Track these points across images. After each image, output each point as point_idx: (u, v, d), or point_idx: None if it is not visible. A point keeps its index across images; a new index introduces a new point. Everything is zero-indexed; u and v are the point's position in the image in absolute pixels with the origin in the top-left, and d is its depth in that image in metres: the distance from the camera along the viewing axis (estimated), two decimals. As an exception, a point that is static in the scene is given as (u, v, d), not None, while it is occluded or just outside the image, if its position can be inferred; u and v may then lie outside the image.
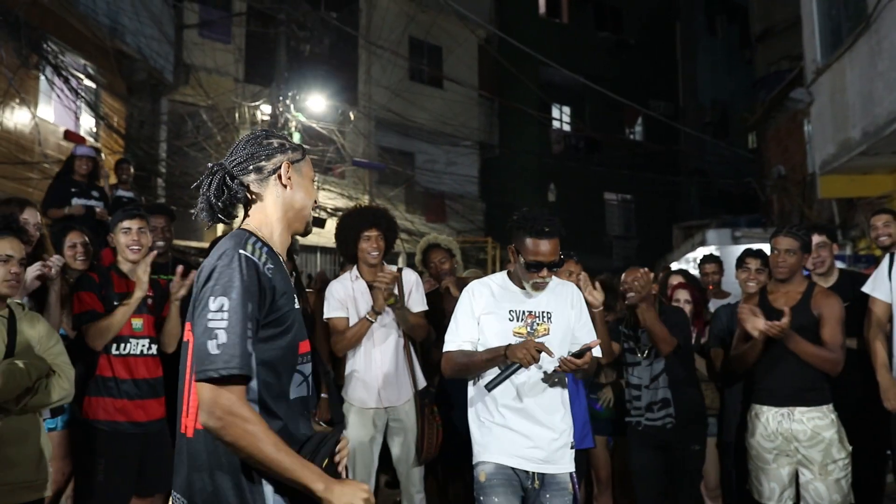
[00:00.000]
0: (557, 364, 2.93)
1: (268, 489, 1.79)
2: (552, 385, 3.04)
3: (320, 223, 13.77)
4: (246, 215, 1.99)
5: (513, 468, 2.99)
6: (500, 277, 3.17)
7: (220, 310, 1.71)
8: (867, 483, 4.03)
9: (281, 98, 12.87)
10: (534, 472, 2.99)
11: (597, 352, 3.04)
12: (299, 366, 1.92)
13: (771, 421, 3.68)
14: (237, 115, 14.79)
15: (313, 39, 14.24)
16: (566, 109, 22.66)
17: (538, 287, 3.01)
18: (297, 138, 13.11)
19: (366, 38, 17.31)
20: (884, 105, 8.00)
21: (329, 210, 14.69)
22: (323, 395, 4.44)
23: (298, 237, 2.62)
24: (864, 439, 3.84)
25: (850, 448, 3.62)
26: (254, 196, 1.96)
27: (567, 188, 20.15)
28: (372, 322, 4.03)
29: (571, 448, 3.08)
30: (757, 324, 3.55)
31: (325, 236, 14.76)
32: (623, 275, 4.17)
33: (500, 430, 3.00)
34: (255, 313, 1.75)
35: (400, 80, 17.94)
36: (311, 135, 14.33)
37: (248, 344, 1.70)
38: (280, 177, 1.95)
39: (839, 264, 6.46)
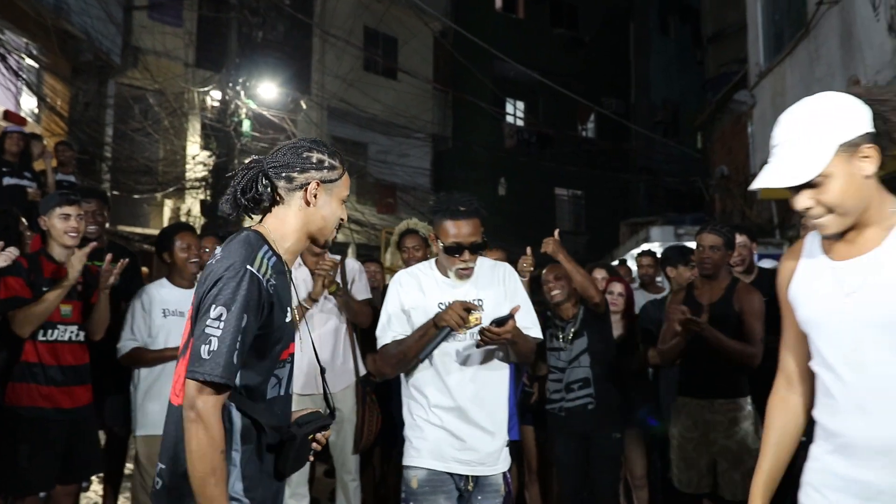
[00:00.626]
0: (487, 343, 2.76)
1: (234, 473, 1.91)
2: (488, 382, 2.86)
3: (269, 212, 13.64)
4: (267, 213, 2.04)
5: (447, 473, 2.82)
6: (427, 267, 3.01)
7: (219, 318, 1.81)
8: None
9: (231, 84, 12.68)
10: (468, 476, 2.83)
11: (536, 332, 2.91)
12: (276, 370, 2.00)
13: (692, 412, 3.80)
14: (186, 100, 14.55)
15: (266, 26, 14.07)
16: (520, 104, 22.82)
17: (462, 275, 2.85)
18: (247, 125, 12.96)
19: (320, 27, 17.16)
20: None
21: (279, 199, 14.53)
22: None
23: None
24: None
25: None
26: (279, 201, 2.01)
27: (518, 182, 20.32)
28: (307, 308, 4.03)
29: (506, 446, 2.95)
30: (677, 315, 3.66)
31: (273, 225, 14.65)
32: (544, 272, 4.28)
33: (434, 432, 2.82)
34: (252, 327, 1.85)
35: (354, 70, 17.82)
36: (262, 122, 14.16)
37: (234, 356, 1.80)
38: (307, 192, 1.99)
39: (774, 263, 6.67)
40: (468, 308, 2.68)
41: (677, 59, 24.66)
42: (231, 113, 12.70)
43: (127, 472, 4.70)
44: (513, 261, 4.05)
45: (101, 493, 4.78)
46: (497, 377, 2.90)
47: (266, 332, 1.91)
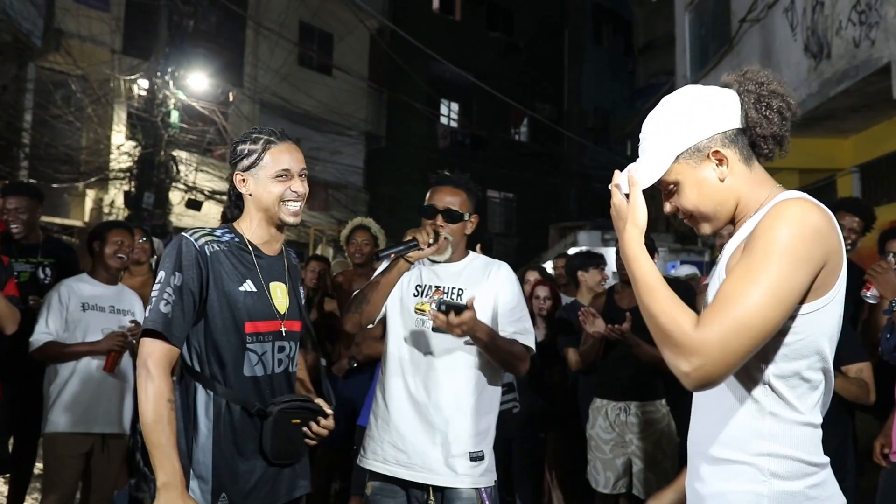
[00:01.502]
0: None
1: (199, 451, 2.01)
2: (453, 381, 2.57)
3: (196, 206, 13.33)
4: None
5: (400, 480, 2.55)
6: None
7: (159, 281, 1.99)
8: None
9: (160, 73, 12.35)
10: (429, 487, 2.52)
11: (525, 340, 2.61)
12: (250, 345, 2.07)
13: (609, 413, 3.90)
14: (112, 87, 14.09)
15: (198, 15, 13.74)
16: (454, 106, 22.92)
17: (428, 239, 2.54)
18: (175, 116, 12.64)
19: (254, 19, 16.89)
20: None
21: (207, 193, 14.25)
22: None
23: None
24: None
25: (679, 440, 3.89)
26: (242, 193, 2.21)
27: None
28: None
29: (476, 459, 2.55)
30: (597, 326, 3.73)
31: (200, 219, 14.30)
32: None
33: (389, 433, 2.57)
34: (188, 283, 1.99)
35: (288, 65, 17.59)
36: (192, 114, 13.85)
37: (161, 305, 1.95)
38: (238, 187, 2.18)
39: (690, 268, 6.87)
40: (436, 230, 2.53)
41: (609, 68, 25.21)
42: (159, 103, 12.38)
43: (37, 471, 4.53)
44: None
45: (6, 493, 4.60)
46: (467, 378, 2.59)
47: (211, 298, 2.03)
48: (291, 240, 16.89)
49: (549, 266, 11.01)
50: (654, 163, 1.58)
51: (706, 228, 1.61)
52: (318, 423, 2.13)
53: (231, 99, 15.58)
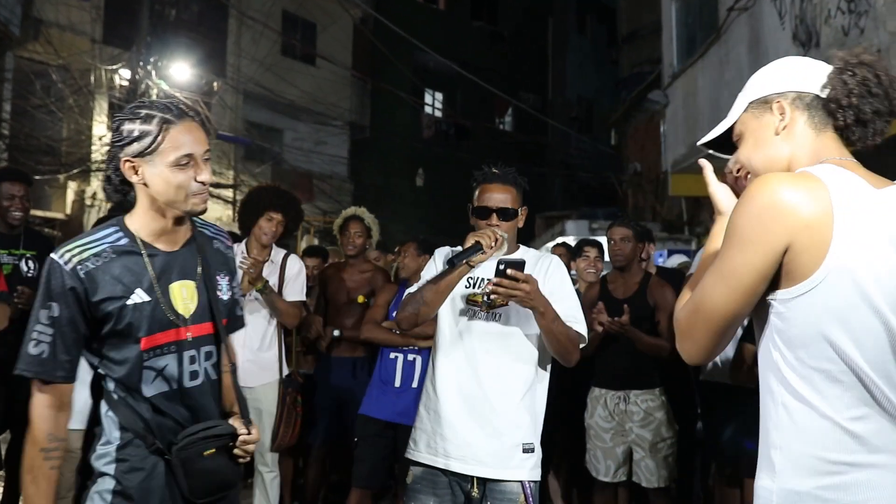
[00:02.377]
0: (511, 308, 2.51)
1: (103, 482, 1.86)
2: (506, 374, 2.54)
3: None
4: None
5: (444, 470, 2.53)
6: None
7: (32, 315, 1.80)
8: (684, 456, 4.35)
9: (142, 63, 12.18)
10: (474, 477, 2.50)
11: (579, 327, 2.55)
12: (147, 362, 1.85)
13: (608, 403, 3.92)
14: (93, 77, 13.89)
15: (180, 4, 13.58)
16: (438, 95, 22.86)
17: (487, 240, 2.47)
18: (158, 107, 12.48)
19: (237, 8, 16.71)
20: (728, 112, 8.58)
21: (191, 184, 14.10)
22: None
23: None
24: (685, 418, 4.19)
25: (678, 427, 3.91)
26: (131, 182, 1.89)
27: (436, 173, 20.34)
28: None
29: (528, 451, 2.52)
30: (600, 318, 3.74)
31: (185, 211, 14.18)
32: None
33: (436, 422, 2.54)
34: (64, 312, 1.77)
35: (271, 54, 17.43)
36: (174, 104, 13.68)
37: (30, 346, 1.77)
38: (126, 175, 1.85)
39: (681, 257, 6.90)
40: (497, 236, 2.46)
41: (593, 58, 25.22)
42: (141, 93, 12.20)
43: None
44: None
45: (0, 492, 4.54)
46: (520, 371, 2.56)
47: (103, 316, 1.81)
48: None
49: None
50: (731, 114, 1.61)
51: None
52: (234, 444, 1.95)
53: (215, 89, 15.42)
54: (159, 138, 1.80)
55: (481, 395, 2.51)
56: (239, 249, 4.16)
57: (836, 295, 1.33)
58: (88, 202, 13.92)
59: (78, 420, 3.62)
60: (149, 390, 1.85)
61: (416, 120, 21.83)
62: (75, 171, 13.68)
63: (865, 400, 1.35)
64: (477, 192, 2.64)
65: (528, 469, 2.52)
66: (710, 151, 1.74)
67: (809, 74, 1.50)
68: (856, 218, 1.33)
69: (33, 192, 4.20)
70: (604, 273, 4.63)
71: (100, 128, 14.16)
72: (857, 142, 1.49)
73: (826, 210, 1.33)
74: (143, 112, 1.82)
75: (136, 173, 1.83)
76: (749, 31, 8.14)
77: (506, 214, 2.58)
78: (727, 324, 1.42)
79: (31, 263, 4.17)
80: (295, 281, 4.23)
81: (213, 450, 1.86)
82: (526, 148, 22.21)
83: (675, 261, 6.88)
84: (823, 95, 1.47)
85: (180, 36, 14.42)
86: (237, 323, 2.13)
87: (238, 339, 3.99)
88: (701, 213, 11.46)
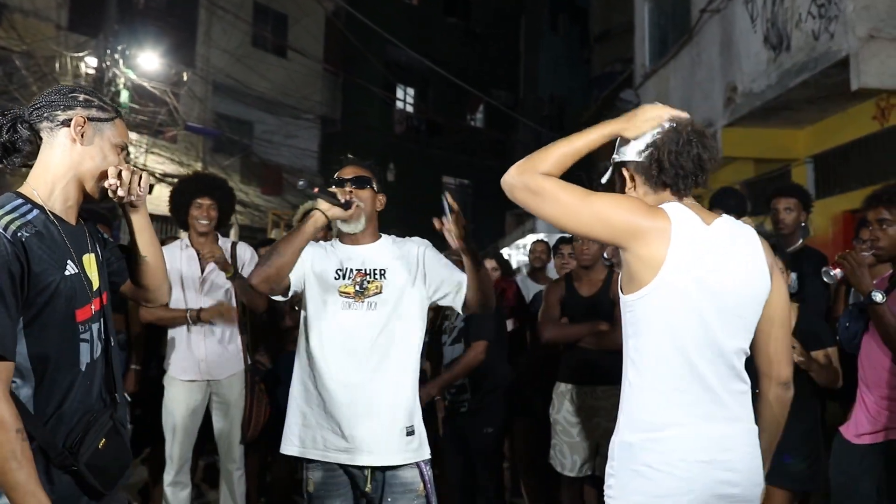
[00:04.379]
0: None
1: None
2: (385, 360, 2.54)
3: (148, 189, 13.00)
4: (24, 163, 1.91)
5: (342, 466, 2.51)
6: (332, 242, 2.81)
7: None
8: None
9: (109, 51, 11.98)
10: (367, 469, 2.49)
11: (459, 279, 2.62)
12: (82, 335, 1.84)
13: (575, 398, 3.93)
14: (58, 65, 13.61)
15: (149, -8, 13.37)
16: (410, 91, 22.77)
17: (347, 208, 2.58)
18: (125, 96, 12.30)
19: (207, -2, 16.49)
20: (699, 112, 8.65)
21: (158, 175, 13.91)
22: (134, 366, 4.25)
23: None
24: None
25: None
26: (41, 145, 1.88)
27: (407, 169, 20.28)
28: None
29: (410, 434, 2.55)
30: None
31: (151, 202, 13.93)
32: None
33: (327, 419, 2.51)
34: (6, 284, 1.66)
35: (242, 46, 17.24)
36: (142, 94, 13.49)
37: None
38: (72, 129, 1.85)
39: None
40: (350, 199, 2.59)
41: (565, 57, 25.31)
42: (108, 82, 12.01)
43: None
44: None
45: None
46: (396, 357, 2.58)
47: (39, 290, 1.73)
48: (245, 224, 16.63)
49: (505, 252, 11.06)
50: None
51: None
52: (122, 422, 1.94)
53: (184, 79, 15.20)
54: (116, 120, 1.95)
55: (363, 384, 2.51)
56: (183, 243, 4.11)
57: (666, 299, 1.81)
58: (52, 192, 13.65)
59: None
60: (83, 362, 1.84)
61: (387, 115, 21.74)
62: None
63: (686, 377, 1.83)
64: (336, 175, 2.73)
65: (415, 450, 2.55)
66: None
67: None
68: (687, 243, 1.80)
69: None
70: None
71: (64, 116, 13.88)
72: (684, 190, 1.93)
73: (665, 234, 1.80)
74: (98, 96, 1.96)
75: (81, 133, 1.86)
76: (721, 33, 8.21)
77: (360, 182, 2.68)
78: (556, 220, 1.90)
79: None
80: (250, 264, 4.16)
81: (104, 439, 1.83)
82: (497, 145, 22.25)
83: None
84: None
85: (149, 24, 14.21)
86: (123, 279, 2.15)
87: (201, 332, 3.96)
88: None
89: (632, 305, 1.88)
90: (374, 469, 2.50)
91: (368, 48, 16.46)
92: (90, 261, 1.92)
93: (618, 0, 16.25)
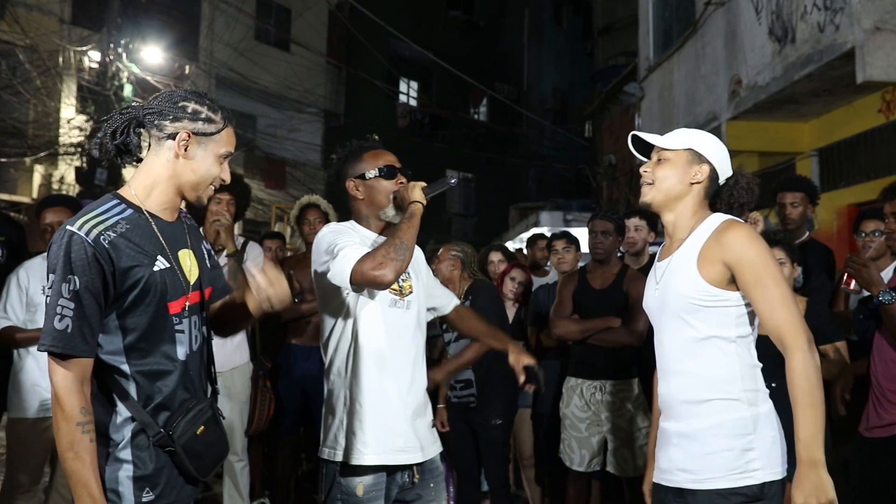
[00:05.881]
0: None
1: (122, 470, 1.83)
2: (419, 358, 2.54)
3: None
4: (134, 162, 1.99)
5: (389, 467, 2.42)
6: (352, 225, 2.54)
7: (50, 286, 1.75)
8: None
9: (112, 45, 11.96)
10: (413, 465, 2.46)
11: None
12: (176, 326, 1.90)
13: (584, 392, 3.92)
14: (61, 59, 13.61)
15: (152, -14, 13.35)
16: (413, 84, 22.76)
17: (401, 199, 2.44)
18: (128, 90, 12.27)
19: (210, -9, 16.47)
20: (704, 105, 8.63)
21: (161, 169, 13.90)
22: None
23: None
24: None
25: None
26: (149, 151, 1.94)
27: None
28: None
29: (433, 427, 2.61)
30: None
31: (155, 196, 13.97)
32: (440, 250, 4.27)
33: (382, 418, 2.41)
34: (89, 284, 1.74)
35: (245, 39, 17.22)
36: (145, 88, 13.44)
37: (55, 321, 1.72)
38: (176, 143, 1.89)
39: (654, 248, 6.89)
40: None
41: (568, 50, 25.25)
42: (111, 76, 12.00)
43: None
44: None
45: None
46: (423, 353, 2.60)
47: (128, 287, 1.80)
48: (249, 218, 16.62)
49: (510, 245, 11.03)
50: (671, 139, 2.21)
51: (649, 196, 2.20)
52: (220, 413, 2.02)
53: (187, 73, 15.19)
54: (223, 131, 1.95)
55: (411, 383, 2.48)
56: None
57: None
58: (55, 186, 13.65)
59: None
60: (181, 353, 1.90)
61: (390, 108, 21.71)
62: (42, 154, 13.41)
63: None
64: (364, 160, 2.54)
65: (439, 441, 2.62)
66: (631, 143, 2.32)
67: (727, 167, 2.22)
68: None
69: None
70: (582, 263, 4.61)
71: (68, 110, 13.89)
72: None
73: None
74: (209, 102, 1.96)
75: (186, 146, 1.90)
76: (725, 26, 8.17)
77: (407, 172, 2.60)
78: None
79: (1, 249, 4.06)
80: (256, 262, 4.17)
81: (203, 427, 1.90)
82: (500, 138, 22.21)
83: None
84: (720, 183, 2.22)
85: (152, 18, 14.20)
86: (227, 289, 2.21)
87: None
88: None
89: (740, 299, 2.06)
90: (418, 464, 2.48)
91: (372, 42, 16.44)
92: (187, 256, 1.97)
93: (621, -7, 16.21)
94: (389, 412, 2.41)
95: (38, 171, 14.11)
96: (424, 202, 2.42)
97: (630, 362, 3.91)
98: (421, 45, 15.20)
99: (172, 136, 1.89)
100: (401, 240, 2.27)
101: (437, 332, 4.38)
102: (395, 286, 2.48)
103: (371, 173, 2.51)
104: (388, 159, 2.57)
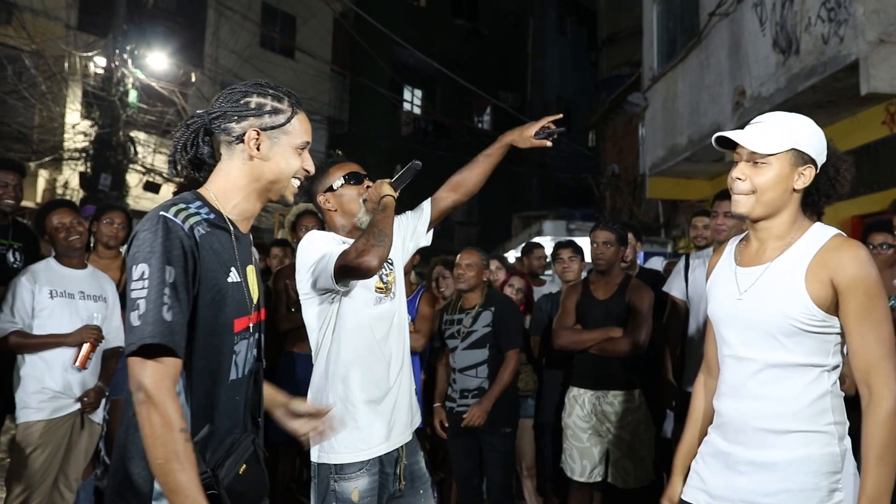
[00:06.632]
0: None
1: None
2: (405, 345, 2.67)
3: (154, 188, 13.03)
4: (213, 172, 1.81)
5: (381, 458, 2.51)
6: (333, 236, 2.60)
7: (141, 277, 1.55)
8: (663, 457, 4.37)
9: (118, 51, 12.01)
10: (401, 447, 2.58)
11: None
12: (236, 345, 1.72)
13: (587, 403, 3.91)
14: (67, 64, 13.66)
15: (158, -8, 13.41)
16: (418, 92, 22.81)
17: (372, 199, 2.53)
18: (133, 96, 12.31)
19: (216, -2, 16.54)
20: (708, 116, 8.63)
21: (165, 175, 13.94)
22: None
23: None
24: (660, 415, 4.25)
25: (655, 428, 3.91)
26: (220, 157, 1.78)
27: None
28: None
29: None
30: None
31: (158, 202, 13.96)
32: (458, 256, 4.26)
33: (368, 412, 2.48)
34: (181, 278, 1.57)
35: (250, 46, 17.28)
36: (150, 94, 13.51)
37: (163, 311, 1.53)
38: (246, 144, 1.75)
39: (658, 260, 6.93)
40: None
41: (572, 59, 25.31)
42: (116, 82, 12.04)
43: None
44: None
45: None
46: (408, 339, 2.74)
47: (199, 292, 1.63)
48: (254, 226, 16.63)
49: (511, 256, 11.03)
50: (772, 140, 1.88)
51: (747, 207, 1.91)
52: (261, 449, 1.81)
53: (192, 80, 15.24)
54: (292, 119, 1.80)
55: (399, 374, 2.60)
56: None
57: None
58: (60, 191, 13.67)
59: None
60: (232, 374, 1.72)
61: (394, 116, 21.76)
62: (47, 158, 13.44)
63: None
64: (330, 172, 2.64)
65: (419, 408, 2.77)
66: (714, 143, 1.99)
67: (823, 150, 1.90)
68: None
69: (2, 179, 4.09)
70: (585, 274, 4.62)
71: (73, 116, 13.93)
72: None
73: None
74: (271, 90, 1.79)
75: (257, 146, 1.76)
76: (730, 37, 8.18)
77: (369, 177, 2.72)
78: None
79: (17, 255, 4.07)
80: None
81: (245, 465, 1.70)
82: (504, 147, 22.19)
83: (658, 264, 6.86)
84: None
85: (158, 25, 14.24)
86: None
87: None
88: (678, 216, 11.53)
89: (838, 325, 1.85)
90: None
91: (376, 49, 16.47)
92: (251, 272, 1.82)
93: (626, 3, 16.23)
94: (384, 406, 2.52)
95: (43, 176, 14.14)
96: (395, 195, 2.53)
97: (632, 372, 3.91)
98: (425, 53, 15.22)
99: (241, 138, 1.75)
100: (378, 228, 2.33)
101: (438, 344, 4.39)
102: (380, 284, 2.56)
103: (338, 182, 2.60)
104: (353, 168, 2.65)
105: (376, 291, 2.56)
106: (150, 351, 1.52)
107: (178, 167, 1.81)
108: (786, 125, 1.88)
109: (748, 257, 1.99)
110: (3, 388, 3.69)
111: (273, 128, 1.77)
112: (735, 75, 7.98)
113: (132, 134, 12.73)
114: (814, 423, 1.83)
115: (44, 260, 3.78)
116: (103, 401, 3.78)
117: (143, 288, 1.54)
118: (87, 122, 13.14)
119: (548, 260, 6.06)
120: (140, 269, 1.56)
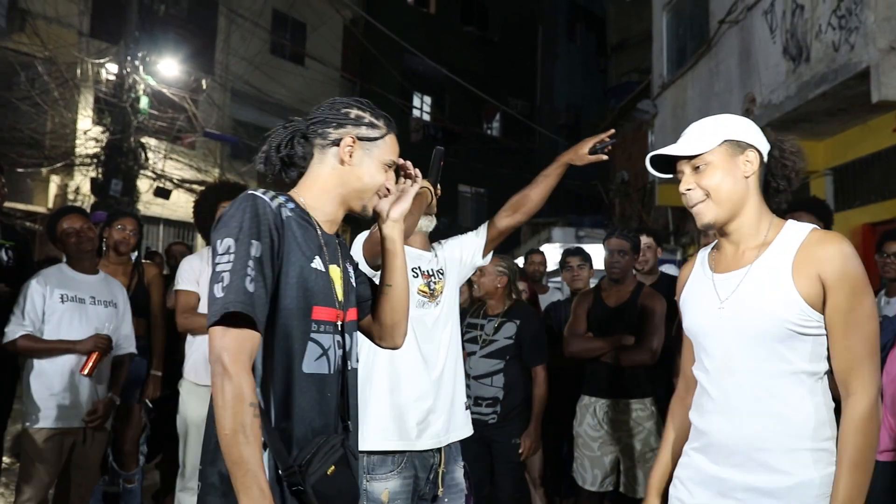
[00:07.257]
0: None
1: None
2: (451, 348, 2.73)
3: (165, 194, 13.09)
4: (301, 176, 1.88)
5: (417, 453, 2.55)
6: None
7: (227, 252, 1.58)
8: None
9: (129, 58, 12.08)
10: (441, 448, 2.62)
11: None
12: (314, 334, 1.71)
13: (598, 411, 3.90)
14: (79, 71, 13.75)
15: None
16: (427, 99, 22.85)
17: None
18: (144, 102, 12.38)
19: (227, 6, 16.62)
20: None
21: (175, 181, 14.01)
22: (155, 372, 4.26)
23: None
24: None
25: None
26: (313, 161, 1.86)
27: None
28: None
29: (468, 408, 2.81)
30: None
31: (169, 208, 14.05)
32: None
33: (415, 410, 2.57)
34: (266, 253, 1.61)
35: (260, 53, 17.34)
36: (161, 100, 13.57)
37: (250, 283, 1.56)
38: (340, 149, 1.82)
39: (670, 267, 6.89)
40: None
41: (581, 66, 25.31)
42: (128, 88, 12.11)
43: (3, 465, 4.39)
44: None
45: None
46: (459, 343, 2.81)
47: (277, 273, 1.65)
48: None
49: (521, 262, 11.00)
50: (702, 140, 1.83)
51: (710, 214, 1.83)
52: (353, 454, 1.78)
53: (203, 86, 15.31)
54: (387, 137, 1.88)
55: (440, 377, 2.65)
56: (208, 253, 4.07)
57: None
58: (71, 196, 13.76)
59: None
60: (308, 366, 1.69)
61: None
62: (59, 164, 13.52)
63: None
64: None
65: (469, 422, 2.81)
66: (651, 169, 1.96)
67: (759, 134, 1.86)
68: None
69: (15, 185, 4.11)
70: (597, 281, 4.60)
71: (84, 122, 14.02)
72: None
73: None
74: (370, 109, 1.88)
75: (350, 153, 1.82)
76: (739, 44, 8.17)
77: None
78: None
79: (10, 254, 4.07)
80: None
81: (333, 466, 1.66)
82: (513, 154, 22.24)
83: (673, 270, 6.80)
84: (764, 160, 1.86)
85: (169, 32, 14.33)
86: (366, 310, 2.06)
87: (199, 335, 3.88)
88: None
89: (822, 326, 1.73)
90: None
91: (386, 56, 16.53)
92: (336, 272, 1.83)
93: (635, 10, 16.23)
94: (418, 406, 2.57)
95: (55, 182, 14.24)
96: (436, 190, 2.70)
97: (644, 381, 3.89)
98: (434, 60, 15.27)
99: (337, 143, 1.82)
100: None
101: None
102: (424, 288, 2.68)
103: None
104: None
105: (419, 294, 2.66)
106: (231, 320, 1.54)
107: (269, 165, 1.86)
108: (711, 123, 1.86)
109: (724, 263, 1.88)
110: (6, 391, 3.69)
111: (368, 139, 1.84)
112: (745, 83, 7.96)
113: (143, 140, 12.79)
114: (814, 440, 1.69)
115: (56, 265, 3.79)
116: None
117: (228, 262, 1.57)
118: (99, 128, 13.23)
119: (553, 267, 6.04)
120: (226, 244, 1.59)
